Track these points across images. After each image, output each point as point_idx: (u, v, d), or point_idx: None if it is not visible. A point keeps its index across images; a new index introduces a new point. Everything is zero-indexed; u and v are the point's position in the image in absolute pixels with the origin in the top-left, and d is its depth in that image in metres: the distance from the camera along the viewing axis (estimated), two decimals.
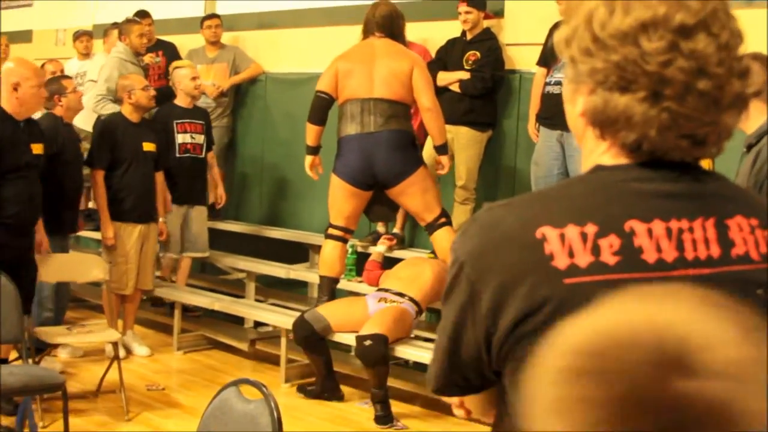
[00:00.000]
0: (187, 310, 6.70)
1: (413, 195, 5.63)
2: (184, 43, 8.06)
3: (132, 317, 6.49)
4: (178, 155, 6.60)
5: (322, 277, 5.82)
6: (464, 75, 6.07)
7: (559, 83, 5.58)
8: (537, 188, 5.81)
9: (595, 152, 1.26)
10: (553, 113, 5.63)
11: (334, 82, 5.66)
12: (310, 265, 6.74)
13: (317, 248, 6.74)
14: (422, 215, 5.70)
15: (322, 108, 5.73)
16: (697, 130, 1.19)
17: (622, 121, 1.20)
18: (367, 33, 5.75)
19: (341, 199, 5.70)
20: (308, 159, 5.84)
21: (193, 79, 6.61)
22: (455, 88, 6.09)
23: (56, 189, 5.64)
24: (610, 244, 1.18)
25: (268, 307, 6.43)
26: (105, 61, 7.14)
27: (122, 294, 6.28)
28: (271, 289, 7.07)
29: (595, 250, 1.18)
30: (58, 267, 5.63)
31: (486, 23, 6.20)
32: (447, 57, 6.22)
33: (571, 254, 1.18)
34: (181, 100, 6.66)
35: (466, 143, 6.10)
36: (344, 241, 5.78)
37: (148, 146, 6.26)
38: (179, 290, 6.77)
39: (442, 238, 5.59)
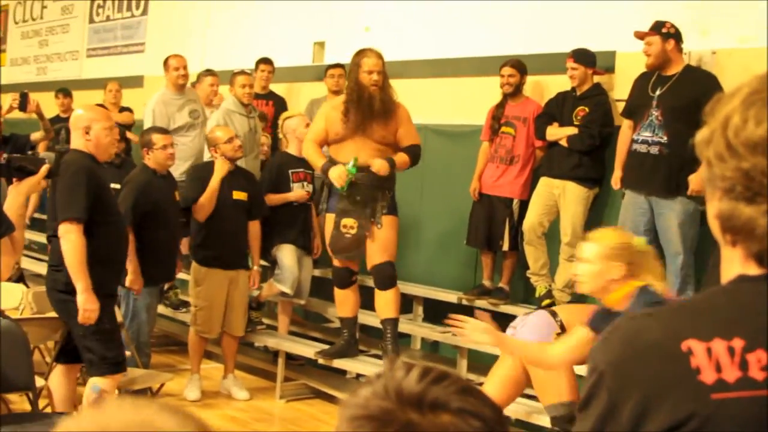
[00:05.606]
0: (290, 358, 6.72)
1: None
2: (287, 90, 8.18)
3: (231, 361, 6.56)
4: (294, 204, 6.70)
5: (349, 319, 6.14)
6: (572, 130, 6.04)
7: (645, 142, 5.52)
8: None
9: (734, 260, 1.24)
10: (638, 175, 5.58)
11: None
12: (414, 316, 6.71)
13: (421, 300, 6.72)
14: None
15: None
16: None
17: (746, 232, 1.18)
18: None
19: None
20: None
21: (307, 125, 6.51)
22: (563, 143, 6.07)
23: (150, 241, 5.79)
24: (758, 359, 1.16)
25: (370, 360, 6.24)
26: (212, 115, 7.26)
27: (211, 337, 6.36)
28: (375, 339, 7.04)
29: (743, 365, 1.16)
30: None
31: (597, 79, 6.17)
32: (557, 111, 6.21)
33: (718, 369, 1.16)
34: (293, 149, 6.74)
35: (573, 199, 6.04)
36: None
37: (239, 195, 6.36)
38: (283, 338, 6.80)
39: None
